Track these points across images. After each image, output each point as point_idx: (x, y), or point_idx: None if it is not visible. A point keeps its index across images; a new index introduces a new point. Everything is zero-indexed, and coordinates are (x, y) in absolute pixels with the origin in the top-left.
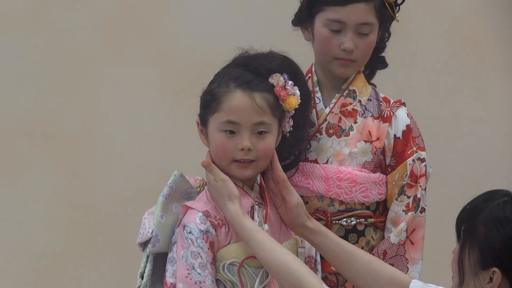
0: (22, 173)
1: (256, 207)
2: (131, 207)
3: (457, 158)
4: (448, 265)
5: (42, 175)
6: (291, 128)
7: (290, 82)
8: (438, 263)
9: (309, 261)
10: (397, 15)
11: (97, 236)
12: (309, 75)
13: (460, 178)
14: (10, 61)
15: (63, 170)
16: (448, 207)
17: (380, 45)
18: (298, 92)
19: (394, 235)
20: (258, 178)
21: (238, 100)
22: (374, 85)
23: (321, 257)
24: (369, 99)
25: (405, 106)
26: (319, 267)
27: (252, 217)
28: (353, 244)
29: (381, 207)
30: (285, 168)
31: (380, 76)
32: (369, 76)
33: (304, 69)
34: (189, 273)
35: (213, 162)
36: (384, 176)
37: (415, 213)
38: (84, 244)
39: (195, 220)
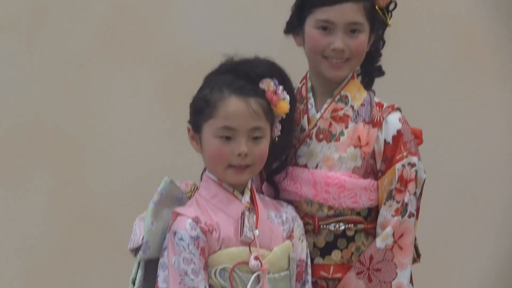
0: (19, 173)
1: (247, 212)
2: (127, 209)
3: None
4: (444, 266)
5: (39, 176)
6: (279, 133)
7: (281, 87)
8: (436, 265)
9: (300, 265)
10: (389, 21)
11: (92, 239)
12: (304, 81)
13: (457, 183)
14: (8, 63)
15: (60, 172)
16: (445, 210)
17: (376, 54)
18: (288, 97)
19: (380, 239)
20: (249, 183)
21: (234, 105)
22: (373, 91)
23: (312, 261)
24: (362, 104)
25: (400, 111)
26: (309, 270)
27: (243, 223)
28: (342, 249)
29: (374, 213)
30: (273, 173)
31: (376, 81)
32: (368, 84)
33: (292, 75)
34: (182, 279)
35: (207, 168)
36: (376, 182)
37: (401, 217)
38: (78, 247)
39: (185, 227)
